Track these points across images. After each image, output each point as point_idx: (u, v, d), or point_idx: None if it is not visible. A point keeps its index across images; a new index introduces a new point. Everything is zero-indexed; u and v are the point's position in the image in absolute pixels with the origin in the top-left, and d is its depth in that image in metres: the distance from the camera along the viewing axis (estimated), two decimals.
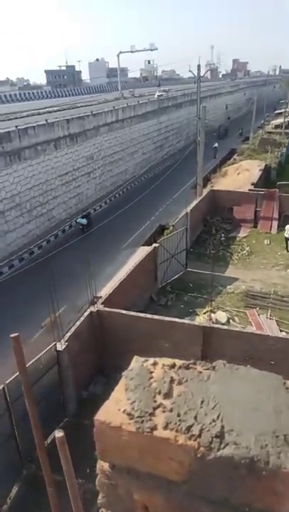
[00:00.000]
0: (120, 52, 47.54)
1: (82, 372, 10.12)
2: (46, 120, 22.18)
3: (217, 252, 17.41)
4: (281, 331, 12.40)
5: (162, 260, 14.83)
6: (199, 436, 0.71)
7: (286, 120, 44.00)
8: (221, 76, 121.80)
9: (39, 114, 28.62)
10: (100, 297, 11.04)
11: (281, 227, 19.46)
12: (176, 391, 0.80)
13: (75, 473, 1.53)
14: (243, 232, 20.31)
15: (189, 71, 25.50)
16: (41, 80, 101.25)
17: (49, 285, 8.69)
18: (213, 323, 11.55)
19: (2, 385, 7.75)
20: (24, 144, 19.76)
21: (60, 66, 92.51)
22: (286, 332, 12.19)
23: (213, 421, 0.73)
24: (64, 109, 31.56)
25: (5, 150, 18.53)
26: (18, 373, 7.25)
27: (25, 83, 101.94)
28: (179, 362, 0.91)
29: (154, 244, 14.64)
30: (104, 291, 11.59)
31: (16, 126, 19.58)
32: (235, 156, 33.78)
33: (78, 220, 22.12)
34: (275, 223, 20.36)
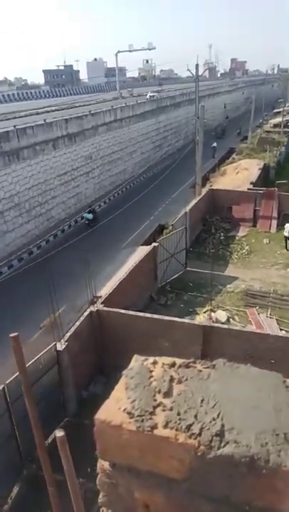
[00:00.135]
0: (118, 52, 47.53)
1: (82, 372, 10.12)
2: (44, 120, 22.16)
3: (216, 251, 17.41)
4: (281, 329, 12.41)
5: (162, 260, 14.83)
6: (199, 434, 0.71)
7: (284, 119, 44.03)
8: (219, 75, 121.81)
9: (37, 113, 28.60)
10: (100, 297, 11.04)
11: (280, 226, 19.47)
12: (176, 390, 0.81)
13: (75, 473, 1.53)
14: (242, 232, 20.32)
15: (187, 70, 25.47)
16: (39, 79, 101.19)
17: (48, 285, 8.69)
18: (213, 322, 11.55)
19: (2, 385, 7.75)
20: (23, 144, 19.74)
21: (58, 66, 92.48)
22: (286, 331, 12.20)
23: (214, 419, 0.73)
24: (62, 109, 31.53)
25: (3, 150, 18.51)
26: (17, 373, 7.25)
27: (23, 83, 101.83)
28: (178, 361, 0.91)
29: (154, 244, 14.64)
30: (104, 291, 11.59)
31: (15, 126, 19.55)
32: (234, 156, 33.81)
33: (84, 215, 22.51)
34: (274, 222, 20.37)
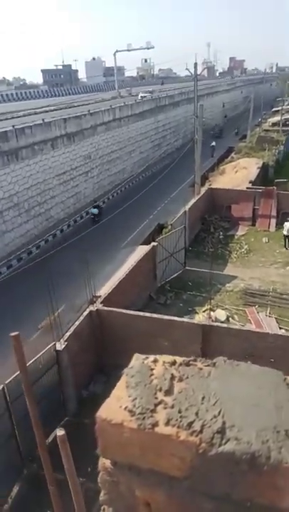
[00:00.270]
0: (117, 51, 47.46)
1: (81, 372, 10.12)
2: (43, 119, 22.14)
3: (216, 250, 17.43)
4: (280, 328, 12.43)
5: (161, 259, 14.84)
6: (201, 432, 0.71)
7: (283, 118, 44.05)
8: (217, 74, 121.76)
9: (36, 113, 28.56)
10: (99, 296, 11.04)
11: (279, 225, 19.49)
12: (177, 388, 0.81)
13: (75, 472, 1.53)
14: (241, 230, 20.34)
15: (186, 69, 25.47)
16: (38, 79, 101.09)
17: (48, 285, 8.69)
18: (212, 321, 11.57)
19: (2, 385, 7.75)
20: (21, 144, 19.72)
21: (56, 65, 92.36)
22: (285, 329, 12.22)
23: (215, 417, 0.73)
24: (61, 109, 31.50)
25: (2, 150, 18.49)
26: (17, 373, 7.26)
27: (21, 82, 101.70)
28: (179, 359, 0.91)
29: (153, 243, 14.64)
30: (104, 291, 11.60)
31: (13, 126, 19.53)
32: (232, 155, 33.83)
33: (90, 210, 23.14)
34: (273, 221, 20.39)
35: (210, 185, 24.10)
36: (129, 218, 21.85)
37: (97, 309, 10.44)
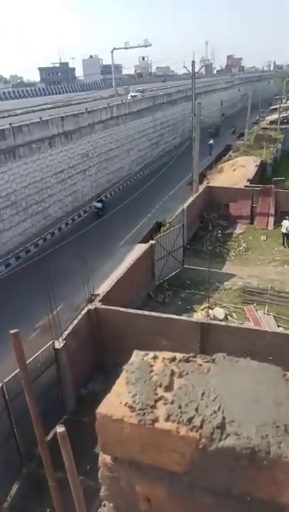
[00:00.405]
0: (114, 49, 47.34)
1: (80, 370, 10.13)
2: (40, 118, 22.08)
3: (214, 248, 17.44)
4: (279, 326, 12.47)
5: (159, 257, 14.84)
6: (201, 427, 0.71)
7: (281, 116, 44.06)
8: (215, 72, 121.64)
9: (33, 111, 28.47)
10: (98, 295, 11.04)
11: (277, 223, 19.52)
12: (177, 384, 0.81)
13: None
14: (239, 229, 20.36)
15: (184, 67, 25.45)
16: (35, 77, 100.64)
17: (46, 283, 8.67)
18: (210, 319, 11.59)
19: (0, 384, 7.74)
20: (19, 142, 19.65)
21: (53, 63, 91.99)
22: (284, 327, 12.26)
23: (214, 412, 0.74)
24: (58, 107, 31.42)
25: None
26: (16, 371, 7.26)
27: (18, 81, 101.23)
28: (179, 355, 0.91)
29: (151, 242, 14.64)
30: (102, 289, 11.60)
31: (10, 124, 19.47)
32: (230, 153, 33.84)
33: (94, 204, 23.53)
34: (271, 219, 20.42)
35: (208, 183, 24.10)
36: (127, 216, 21.83)
37: (95, 308, 10.44)
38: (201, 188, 21.87)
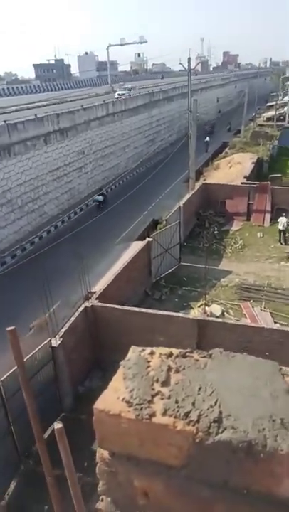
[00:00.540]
0: (110, 46, 47.07)
1: (77, 368, 10.13)
2: (36, 115, 21.92)
3: (210, 245, 17.45)
4: (275, 322, 12.52)
5: (156, 255, 14.84)
6: (197, 421, 0.72)
7: (277, 113, 44.10)
8: (211, 69, 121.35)
9: (28, 108, 28.28)
10: (94, 292, 11.02)
11: (274, 220, 19.57)
12: (174, 379, 0.81)
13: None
14: (236, 226, 20.39)
15: (180, 64, 25.37)
16: (30, 74, 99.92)
17: (42, 281, 8.65)
18: (207, 316, 11.62)
19: None
20: (14, 139, 19.52)
21: (48, 60, 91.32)
22: (280, 324, 12.32)
23: (211, 407, 0.74)
24: (54, 104, 31.22)
25: None
26: (13, 369, 7.25)
27: (13, 77, 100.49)
28: (175, 351, 0.91)
29: (148, 239, 14.63)
30: (99, 286, 11.58)
31: (5, 121, 19.32)
32: (227, 150, 33.83)
33: (95, 198, 23.73)
34: (267, 216, 20.46)
35: (204, 180, 24.09)
36: (123, 214, 21.79)
37: (92, 305, 10.43)
38: (198, 185, 21.87)
